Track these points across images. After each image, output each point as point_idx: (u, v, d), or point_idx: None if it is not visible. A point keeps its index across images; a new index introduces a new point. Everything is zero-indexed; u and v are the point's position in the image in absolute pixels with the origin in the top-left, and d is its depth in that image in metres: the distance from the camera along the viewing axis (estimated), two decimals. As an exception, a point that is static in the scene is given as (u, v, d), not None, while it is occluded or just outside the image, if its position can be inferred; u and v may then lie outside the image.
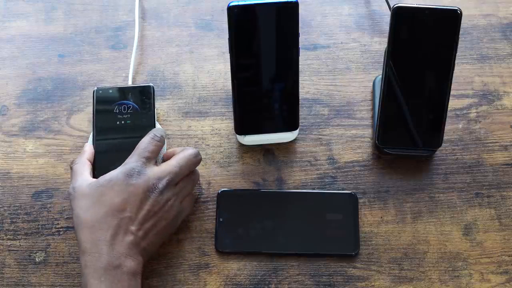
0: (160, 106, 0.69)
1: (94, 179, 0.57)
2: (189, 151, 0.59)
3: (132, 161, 0.57)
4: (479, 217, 0.63)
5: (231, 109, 0.68)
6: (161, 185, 0.56)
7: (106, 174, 0.57)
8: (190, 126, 0.68)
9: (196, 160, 0.60)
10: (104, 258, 0.53)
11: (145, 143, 0.59)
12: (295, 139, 0.67)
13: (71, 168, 0.59)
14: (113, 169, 0.58)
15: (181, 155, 0.59)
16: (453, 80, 0.62)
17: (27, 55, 0.73)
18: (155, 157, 0.59)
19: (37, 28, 0.75)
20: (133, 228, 0.55)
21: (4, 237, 0.63)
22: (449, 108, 0.63)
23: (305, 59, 0.72)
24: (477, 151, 0.67)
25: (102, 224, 0.54)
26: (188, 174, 0.59)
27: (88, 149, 0.61)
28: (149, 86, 0.65)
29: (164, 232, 0.58)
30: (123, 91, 0.65)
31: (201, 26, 0.75)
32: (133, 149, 0.63)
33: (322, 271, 0.61)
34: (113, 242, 0.54)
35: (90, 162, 0.60)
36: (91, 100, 0.68)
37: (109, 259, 0.53)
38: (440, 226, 0.63)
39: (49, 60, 0.73)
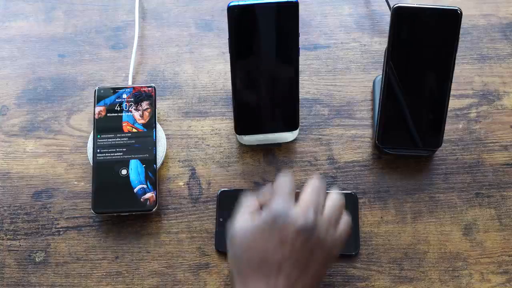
0: (160, 106, 0.69)
1: (244, 224, 0.53)
2: (314, 180, 0.56)
3: (277, 204, 0.53)
4: (479, 217, 0.63)
5: (231, 109, 0.68)
6: (309, 217, 0.52)
7: (251, 219, 0.53)
8: (190, 126, 0.68)
9: (323, 186, 0.56)
10: None
11: (284, 181, 0.55)
12: (295, 139, 0.67)
13: (241, 200, 0.56)
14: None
15: (308, 185, 0.55)
16: (453, 80, 0.62)
17: (27, 55, 0.73)
18: (294, 193, 0.55)
19: (37, 28, 0.75)
20: (285, 271, 0.51)
21: (4, 237, 0.63)
22: (449, 108, 0.63)
23: (305, 59, 0.72)
24: (477, 151, 0.67)
25: (255, 271, 0.51)
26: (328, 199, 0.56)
27: (268, 194, 0.56)
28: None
29: (321, 268, 0.53)
30: (125, 91, 0.66)
31: (201, 26, 0.75)
32: (132, 151, 0.63)
33: (322, 271, 0.61)
34: None
35: (260, 205, 0.56)
36: (91, 100, 0.68)
37: None
38: (440, 226, 0.63)
39: (49, 60, 0.73)
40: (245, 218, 0.54)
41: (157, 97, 0.67)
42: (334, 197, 0.56)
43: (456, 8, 0.59)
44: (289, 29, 0.59)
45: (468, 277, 0.61)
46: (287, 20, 0.59)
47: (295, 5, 0.58)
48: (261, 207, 0.55)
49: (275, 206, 0.53)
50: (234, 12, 0.58)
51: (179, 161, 0.66)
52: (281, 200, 0.53)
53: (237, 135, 0.66)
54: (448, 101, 0.62)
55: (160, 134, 0.65)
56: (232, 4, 0.58)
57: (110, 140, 0.64)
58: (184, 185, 0.65)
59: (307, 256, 0.52)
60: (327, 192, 0.57)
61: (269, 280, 0.50)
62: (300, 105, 0.64)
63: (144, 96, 0.66)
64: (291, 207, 0.53)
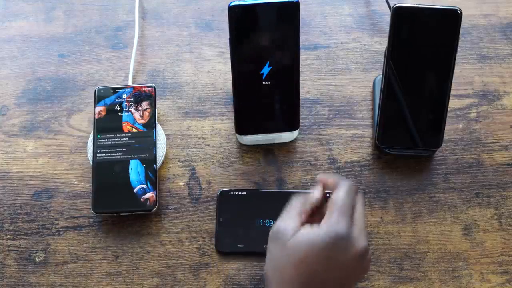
0: (160, 106, 0.69)
1: (300, 232, 0.50)
2: (360, 196, 0.54)
3: (337, 224, 0.49)
4: (479, 217, 0.63)
5: (231, 109, 0.68)
6: (366, 246, 0.50)
7: (311, 232, 0.49)
8: (190, 126, 0.68)
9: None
10: None
11: (344, 199, 0.51)
12: (295, 139, 0.67)
13: (291, 200, 0.54)
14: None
15: (359, 203, 0.53)
16: (453, 80, 0.62)
17: (27, 55, 0.73)
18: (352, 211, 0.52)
19: (37, 28, 0.75)
20: None
21: (4, 237, 0.63)
22: (449, 108, 0.63)
23: (305, 59, 0.71)
24: (477, 151, 0.67)
25: None
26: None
27: (318, 195, 0.54)
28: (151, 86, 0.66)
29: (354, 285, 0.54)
30: (125, 90, 0.66)
31: (201, 26, 0.75)
32: (132, 151, 0.63)
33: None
34: None
35: (311, 208, 0.53)
36: (91, 100, 0.68)
37: None
38: (440, 226, 0.63)
39: (49, 60, 0.73)
40: (303, 230, 0.50)
41: (157, 97, 0.67)
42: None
43: (456, 8, 0.59)
44: (289, 29, 0.59)
45: (468, 277, 0.61)
46: (288, 20, 0.59)
47: (296, 5, 0.58)
48: (313, 210, 0.53)
49: (337, 227, 0.49)
50: (235, 12, 0.58)
51: (179, 161, 0.66)
52: (343, 220, 0.49)
53: (237, 135, 0.66)
54: (448, 101, 0.62)
55: (160, 134, 0.65)
56: (233, 4, 0.58)
57: (110, 140, 0.64)
58: (184, 185, 0.65)
59: (354, 278, 0.51)
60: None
61: None
62: (300, 105, 0.64)
63: (144, 96, 0.66)
64: (352, 230, 0.49)
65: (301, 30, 0.60)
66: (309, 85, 0.70)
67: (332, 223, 0.49)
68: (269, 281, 0.51)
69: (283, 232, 0.51)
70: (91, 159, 0.64)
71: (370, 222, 0.63)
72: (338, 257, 0.49)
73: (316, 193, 0.54)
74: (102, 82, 0.71)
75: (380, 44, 0.73)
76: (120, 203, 0.62)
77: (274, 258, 0.51)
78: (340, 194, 0.51)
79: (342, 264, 0.49)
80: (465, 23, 0.73)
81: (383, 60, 0.63)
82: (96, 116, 0.65)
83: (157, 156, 0.64)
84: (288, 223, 0.51)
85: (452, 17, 0.59)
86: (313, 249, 0.49)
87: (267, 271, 0.51)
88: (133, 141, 0.64)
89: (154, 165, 0.63)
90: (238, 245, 0.62)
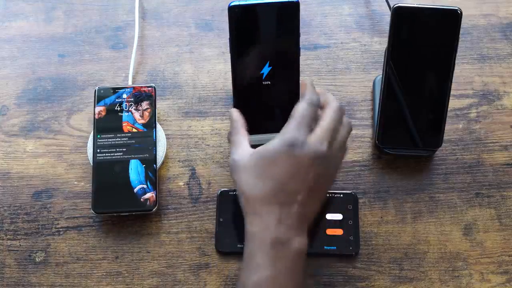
0: (160, 106, 0.69)
1: (255, 150, 0.54)
2: (334, 105, 0.56)
3: (292, 131, 0.53)
4: (479, 217, 0.63)
5: (231, 109, 0.69)
6: (323, 148, 0.53)
7: (267, 144, 0.53)
8: (190, 126, 0.68)
9: (342, 111, 0.57)
10: (272, 232, 0.51)
11: (303, 109, 0.54)
12: (295, 139, 0.67)
13: (229, 140, 0.58)
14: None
15: (329, 111, 0.55)
16: (453, 80, 0.62)
17: (27, 55, 0.73)
18: (313, 123, 0.54)
19: (37, 28, 0.75)
20: (299, 199, 0.52)
21: (4, 237, 0.63)
22: (449, 108, 0.63)
23: (305, 59, 0.72)
24: (477, 151, 0.67)
25: (270, 199, 0.52)
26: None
27: (239, 117, 0.59)
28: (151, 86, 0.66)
29: (325, 192, 0.57)
30: (125, 90, 0.66)
31: (201, 26, 0.75)
32: (132, 151, 0.63)
33: (322, 271, 0.61)
34: (281, 217, 0.51)
35: (246, 130, 0.58)
36: (91, 100, 0.68)
37: (277, 234, 0.51)
38: (440, 226, 0.63)
39: (49, 60, 0.73)
40: (258, 148, 0.53)
41: (157, 97, 0.67)
42: (347, 124, 0.57)
43: (456, 8, 0.59)
44: (290, 29, 0.59)
45: (468, 277, 0.61)
46: (288, 20, 0.59)
47: (296, 5, 0.58)
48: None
49: (291, 135, 0.52)
50: (234, 12, 0.58)
51: (179, 161, 0.66)
52: (298, 129, 0.53)
53: (237, 135, 0.66)
54: (448, 101, 0.62)
55: (160, 134, 0.65)
56: (233, 4, 0.58)
57: (110, 140, 0.64)
58: (184, 185, 0.65)
59: (318, 183, 0.53)
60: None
61: (283, 208, 0.52)
62: (300, 105, 0.64)
63: (144, 96, 0.66)
64: (306, 136, 0.52)
65: (301, 30, 0.60)
66: (309, 85, 0.70)
67: (285, 132, 0.53)
68: (244, 209, 0.53)
69: (239, 159, 0.54)
70: (91, 159, 0.64)
71: (370, 222, 0.63)
72: (297, 164, 0.52)
73: (234, 116, 0.59)
74: (102, 82, 0.71)
75: (380, 44, 0.73)
76: (120, 203, 0.62)
77: (240, 185, 0.53)
78: (299, 106, 0.54)
79: (303, 170, 0.52)
80: (465, 23, 0.73)
81: (383, 60, 0.63)
82: (96, 116, 0.65)
83: (157, 156, 0.64)
84: (239, 149, 0.55)
85: (452, 17, 0.59)
86: (271, 159, 0.52)
87: (240, 199, 0.54)
88: (133, 141, 0.64)
89: (154, 165, 0.63)
90: (238, 245, 0.62)
